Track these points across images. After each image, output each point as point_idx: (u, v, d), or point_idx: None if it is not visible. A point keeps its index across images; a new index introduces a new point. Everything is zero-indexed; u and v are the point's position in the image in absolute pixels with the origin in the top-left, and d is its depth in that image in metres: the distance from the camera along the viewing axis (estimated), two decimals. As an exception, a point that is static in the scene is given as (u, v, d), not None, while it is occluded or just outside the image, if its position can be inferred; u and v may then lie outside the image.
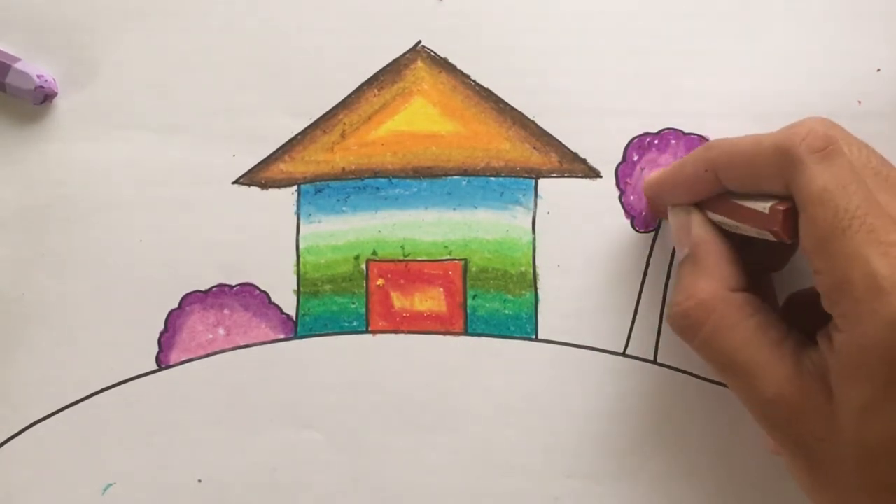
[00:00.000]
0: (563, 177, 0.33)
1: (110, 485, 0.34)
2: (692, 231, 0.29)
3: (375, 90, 0.34)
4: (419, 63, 0.33)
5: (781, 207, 0.25)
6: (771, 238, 0.26)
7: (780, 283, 0.31)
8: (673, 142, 0.33)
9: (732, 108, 0.33)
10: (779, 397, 0.26)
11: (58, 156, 0.34)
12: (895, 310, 0.22)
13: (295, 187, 0.34)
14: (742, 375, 0.26)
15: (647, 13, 0.33)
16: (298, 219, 0.34)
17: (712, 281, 0.28)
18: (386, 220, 0.33)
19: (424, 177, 0.33)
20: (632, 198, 0.33)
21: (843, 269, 0.23)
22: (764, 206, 0.26)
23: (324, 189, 0.34)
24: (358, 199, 0.34)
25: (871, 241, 0.23)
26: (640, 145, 0.33)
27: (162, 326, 0.34)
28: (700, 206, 0.29)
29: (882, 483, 0.24)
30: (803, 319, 0.27)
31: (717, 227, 0.29)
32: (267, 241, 0.34)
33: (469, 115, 0.33)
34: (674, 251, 0.33)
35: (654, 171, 0.33)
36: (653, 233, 0.33)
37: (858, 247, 0.23)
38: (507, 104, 0.33)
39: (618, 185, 0.33)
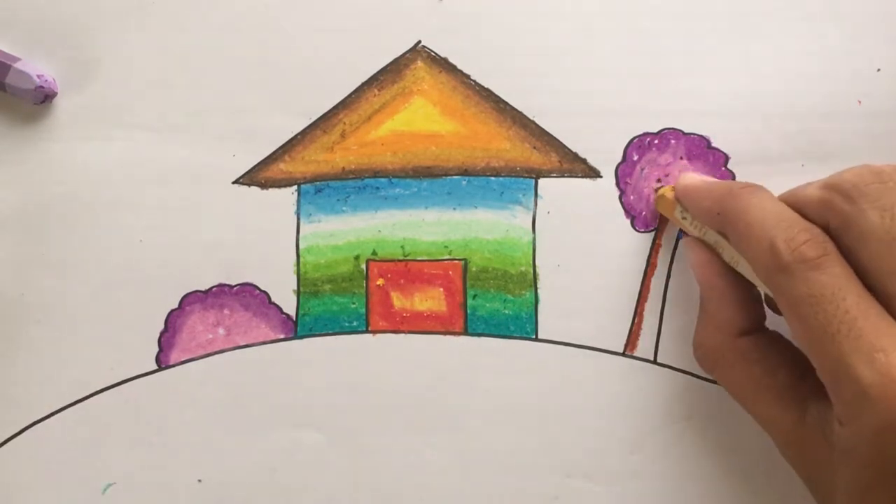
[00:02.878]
0: (563, 177, 0.33)
1: (110, 485, 0.34)
2: (696, 272, 0.30)
3: (375, 90, 0.34)
4: (419, 63, 0.33)
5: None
6: None
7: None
8: (673, 142, 0.33)
9: (732, 108, 0.33)
10: (784, 444, 0.27)
11: (58, 156, 0.34)
12: (880, 419, 0.22)
13: (295, 187, 0.34)
14: (754, 414, 0.28)
15: (647, 13, 0.33)
16: (298, 219, 0.34)
17: (714, 329, 0.28)
18: (386, 220, 0.33)
19: (424, 177, 0.33)
20: (632, 198, 0.33)
21: (832, 372, 0.24)
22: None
23: (324, 189, 0.34)
24: (358, 199, 0.34)
25: (858, 349, 0.23)
26: (640, 145, 0.33)
27: (162, 326, 0.34)
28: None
29: None
30: None
31: (724, 266, 0.29)
32: (267, 241, 0.34)
33: (469, 114, 0.33)
34: (674, 251, 0.33)
35: (654, 171, 0.33)
36: (653, 233, 0.33)
37: (845, 354, 0.23)
38: (507, 104, 0.33)
39: (618, 185, 0.33)
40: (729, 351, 0.28)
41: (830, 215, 0.25)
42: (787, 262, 0.25)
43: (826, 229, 0.25)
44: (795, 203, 0.27)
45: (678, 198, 0.31)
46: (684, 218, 0.31)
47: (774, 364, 0.27)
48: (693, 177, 0.31)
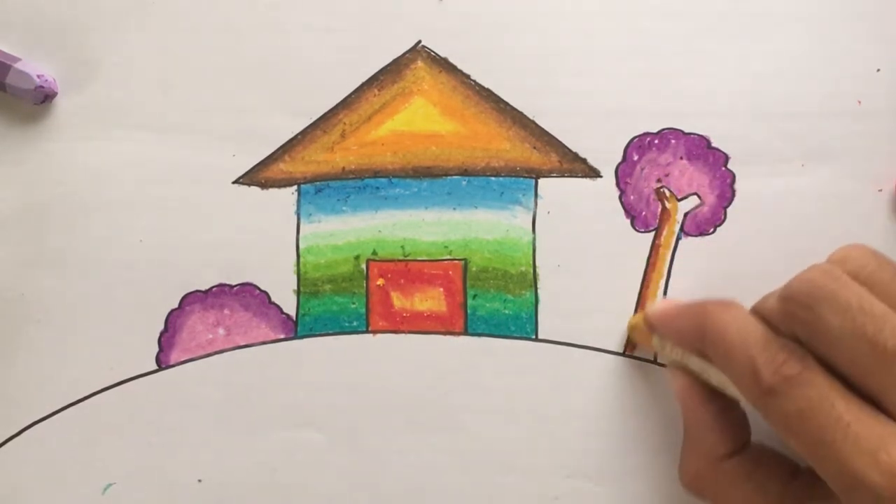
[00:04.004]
0: (563, 177, 0.33)
1: (110, 485, 0.34)
2: (680, 399, 0.29)
3: (375, 90, 0.34)
4: (419, 63, 0.33)
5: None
6: None
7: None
8: (673, 142, 0.33)
9: (732, 108, 0.33)
10: None
11: (58, 156, 0.34)
12: None
13: (295, 187, 0.34)
14: None
15: (647, 13, 0.33)
16: (298, 219, 0.34)
17: (699, 455, 0.28)
18: (386, 220, 0.33)
19: (424, 177, 0.33)
20: (632, 198, 0.33)
21: (838, 480, 0.23)
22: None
23: (324, 189, 0.34)
24: (358, 199, 0.34)
25: (859, 452, 0.23)
26: (640, 145, 0.33)
27: (162, 326, 0.34)
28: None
29: None
30: None
31: (704, 389, 0.29)
32: (267, 241, 0.34)
33: (469, 115, 0.33)
34: (674, 251, 0.33)
35: (654, 171, 0.33)
36: (653, 233, 0.33)
37: (849, 460, 0.23)
38: (507, 104, 0.33)
39: (618, 185, 0.33)
40: (716, 476, 0.28)
41: (795, 327, 0.25)
42: (771, 384, 0.24)
43: (796, 339, 0.25)
44: (763, 318, 0.27)
45: (653, 327, 0.31)
46: (663, 347, 0.31)
47: (764, 478, 0.27)
48: (663, 304, 0.31)
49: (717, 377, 0.28)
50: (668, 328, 0.30)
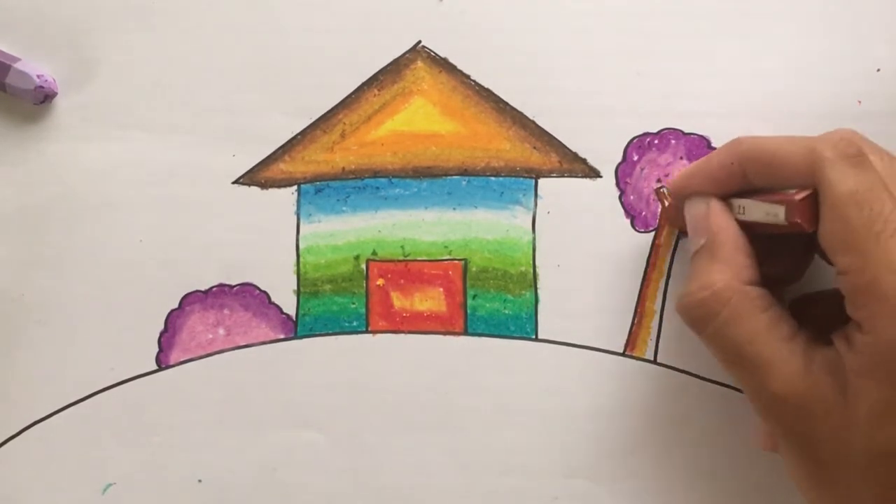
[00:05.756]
0: (563, 177, 0.33)
1: (110, 485, 0.34)
2: (710, 220, 0.29)
3: (375, 90, 0.34)
4: (419, 63, 0.33)
5: (800, 196, 0.26)
6: (788, 231, 0.26)
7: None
8: (673, 142, 0.33)
9: (732, 108, 0.33)
10: (788, 392, 0.26)
11: (58, 156, 0.34)
12: None
13: (295, 187, 0.34)
14: (751, 368, 0.26)
15: (647, 13, 0.33)
16: (298, 219, 0.34)
17: (728, 271, 0.27)
18: (386, 220, 0.33)
19: (424, 177, 0.33)
20: (632, 198, 0.33)
21: (873, 271, 0.24)
22: (784, 197, 0.26)
23: (324, 189, 0.34)
24: (358, 199, 0.34)
25: None
26: (640, 145, 0.33)
27: (162, 326, 0.34)
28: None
29: (890, 483, 0.24)
30: (808, 323, 0.27)
31: (735, 220, 0.29)
32: (267, 241, 0.34)
33: (469, 115, 0.33)
34: (674, 251, 0.33)
35: (654, 171, 0.33)
36: (653, 233, 0.33)
37: (890, 250, 0.23)
38: (507, 104, 0.33)
39: (618, 185, 0.33)
40: (738, 294, 0.27)
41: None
42: (832, 157, 0.25)
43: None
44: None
45: (682, 190, 0.30)
46: (696, 206, 0.30)
47: (778, 314, 0.27)
48: (681, 172, 0.32)
49: (751, 210, 0.28)
50: (698, 182, 0.30)
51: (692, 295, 0.28)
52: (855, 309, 0.25)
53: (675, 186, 0.31)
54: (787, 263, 0.30)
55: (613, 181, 0.33)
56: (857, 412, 0.24)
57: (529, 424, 0.33)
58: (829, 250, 0.25)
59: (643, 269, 0.33)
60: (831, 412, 0.25)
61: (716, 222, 0.28)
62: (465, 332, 0.33)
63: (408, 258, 0.33)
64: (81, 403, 0.34)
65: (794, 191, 0.26)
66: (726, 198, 0.29)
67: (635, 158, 0.33)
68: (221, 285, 0.34)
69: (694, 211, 0.30)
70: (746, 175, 0.28)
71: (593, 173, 0.33)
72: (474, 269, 0.33)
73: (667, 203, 0.33)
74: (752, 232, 0.28)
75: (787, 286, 0.30)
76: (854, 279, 0.24)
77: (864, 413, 0.24)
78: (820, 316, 0.27)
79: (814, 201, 0.26)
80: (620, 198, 0.33)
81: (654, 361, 0.33)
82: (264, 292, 0.34)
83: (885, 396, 0.24)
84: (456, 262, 0.33)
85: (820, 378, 0.25)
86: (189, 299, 0.34)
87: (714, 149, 0.33)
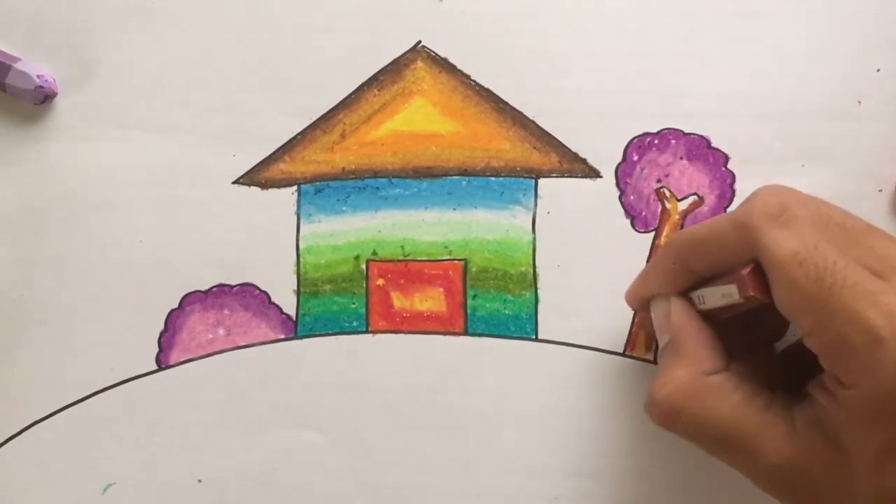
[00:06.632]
0: (563, 177, 0.33)
1: (110, 485, 0.34)
2: (672, 318, 0.29)
3: (375, 90, 0.34)
4: (419, 63, 0.33)
5: (746, 270, 0.26)
6: (750, 306, 0.26)
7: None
8: (673, 142, 0.33)
9: (732, 108, 0.33)
10: (780, 461, 0.26)
11: (58, 156, 0.34)
12: None
13: (295, 187, 0.34)
14: (737, 449, 0.27)
15: (647, 13, 0.33)
16: (298, 219, 0.34)
17: (690, 367, 0.28)
18: (386, 220, 0.34)
19: (424, 177, 0.33)
20: (632, 198, 0.33)
21: (837, 328, 0.23)
22: (733, 277, 0.26)
23: (324, 189, 0.34)
24: (358, 199, 0.34)
25: (857, 295, 0.23)
26: (640, 145, 0.33)
27: (162, 326, 0.34)
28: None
29: None
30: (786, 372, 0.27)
31: (697, 313, 0.29)
32: (267, 241, 0.34)
33: (469, 115, 0.33)
34: (674, 251, 0.33)
35: (654, 171, 0.33)
36: (653, 233, 0.33)
37: (847, 303, 0.23)
38: (507, 104, 0.33)
39: (618, 185, 0.33)
40: (705, 389, 0.27)
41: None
42: (760, 224, 0.25)
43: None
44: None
45: (638, 303, 0.31)
46: (658, 307, 0.30)
47: (751, 389, 0.27)
48: (631, 287, 0.32)
49: (709, 298, 0.28)
50: (655, 287, 0.30)
51: (657, 392, 0.28)
52: (831, 366, 0.24)
53: (633, 296, 0.31)
54: (769, 325, 0.30)
55: (613, 181, 0.33)
56: (858, 461, 0.24)
57: (529, 424, 0.33)
58: (788, 314, 0.25)
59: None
60: (829, 467, 0.25)
61: (675, 320, 0.29)
62: (465, 333, 0.33)
63: (408, 258, 0.33)
64: (81, 403, 0.34)
65: (740, 268, 0.26)
66: (685, 293, 0.29)
67: (635, 158, 0.33)
68: (221, 285, 0.34)
69: (656, 311, 0.30)
70: (691, 269, 0.28)
71: (593, 173, 0.33)
72: (474, 269, 0.33)
73: (668, 204, 0.33)
74: (719, 316, 0.28)
75: (775, 342, 0.30)
76: (820, 338, 0.24)
77: (867, 460, 0.24)
78: (793, 367, 0.27)
79: (761, 271, 0.26)
80: (620, 198, 0.33)
81: (655, 361, 0.33)
82: (264, 292, 0.34)
83: (882, 441, 0.24)
84: (456, 262, 0.33)
85: (809, 437, 0.25)
86: (189, 299, 0.34)
87: (714, 149, 0.33)
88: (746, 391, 0.27)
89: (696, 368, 0.27)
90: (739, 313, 0.27)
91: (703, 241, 0.27)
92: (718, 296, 0.27)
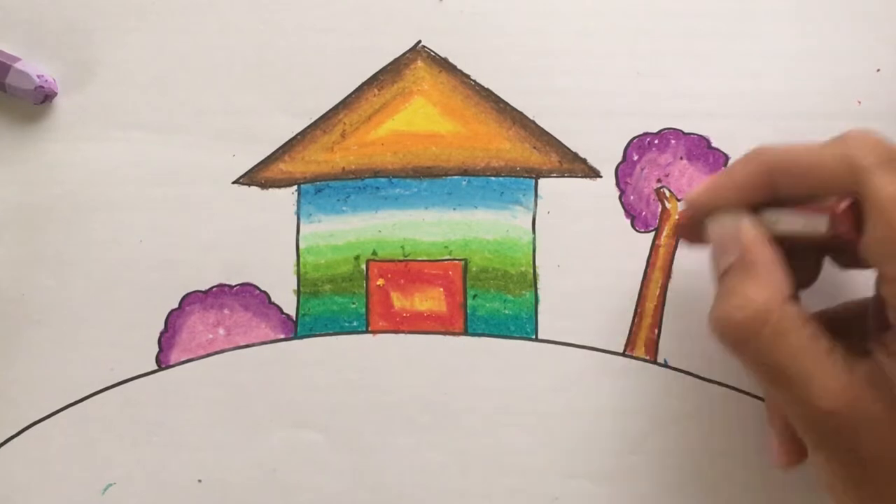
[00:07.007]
0: (563, 177, 0.33)
1: (110, 485, 0.34)
2: (742, 236, 0.27)
3: (375, 90, 0.34)
4: (419, 63, 0.33)
5: (844, 205, 0.25)
6: (821, 242, 0.26)
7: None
8: (673, 142, 0.33)
9: (732, 108, 0.33)
10: (834, 406, 0.25)
11: (58, 156, 0.34)
12: None
13: (295, 187, 0.34)
14: (795, 385, 0.26)
15: (647, 13, 0.33)
16: (298, 219, 0.34)
17: (767, 288, 0.26)
18: (386, 220, 0.34)
19: (424, 177, 0.33)
20: (632, 198, 0.33)
21: None
22: (823, 208, 0.26)
23: (324, 189, 0.34)
24: (358, 199, 0.34)
25: None
26: (640, 145, 0.33)
27: (162, 326, 0.34)
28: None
29: None
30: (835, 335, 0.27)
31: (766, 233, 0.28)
32: (267, 241, 0.34)
33: (469, 115, 0.33)
34: (675, 250, 0.33)
35: (654, 171, 0.33)
36: (653, 233, 0.33)
37: None
38: (507, 104, 0.33)
39: (618, 185, 0.33)
40: (779, 311, 0.26)
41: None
42: (870, 163, 0.24)
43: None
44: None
45: (702, 206, 0.29)
46: (719, 223, 0.29)
47: (817, 329, 0.26)
48: (700, 185, 0.30)
49: (787, 221, 0.27)
50: (721, 196, 0.29)
51: (730, 315, 0.27)
52: None
53: (696, 202, 0.29)
54: (800, 272, 0.29)
55: (613, 181, 0.33)
56: None
57: (529, 424, 0.33)
58: (876, 258, 0.25)
59: (643, 269, 0.33)
60: (879, 422, 0.25)
61: (749, 238, 0.27)
62: (465, 332, 0.33)
63: (408, 258, 0.33)
64: (81, 403, 0.34)
65: (831, 200, 0.26)
66: (753, 210, 0.28)
67: (635, 158, 0.33)
68: (221, 285, 0.34)
69: (720, 229, 0.28)
70: (775, 186, 0.27)
71: (593, 173, 0.33)
72: (474, 269, 0.33)
73: (668, 204, 0.33)
74: (779, 244, 0.27)
75: (802, 289, 0.30)
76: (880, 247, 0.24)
77: None
78: (846, 327, 0.27)
79: (855, 210, 0.25)
80: (620, 198, 0.33)
81: (654, 361, 0.33)
82: (264, 292, 0.34)
83: None
84: (456, 262, 0.33)
85: (864, 390, 0.25)
86: (189, 299, 0.34)
87: (714, 149, 0.33)
88: (815, 328, 0.26)
89: (775, 292, 0.26)
90: (796, 246, 0.27)
91: (804, 164, 0.26)
92: (800, 223, 0.27)
